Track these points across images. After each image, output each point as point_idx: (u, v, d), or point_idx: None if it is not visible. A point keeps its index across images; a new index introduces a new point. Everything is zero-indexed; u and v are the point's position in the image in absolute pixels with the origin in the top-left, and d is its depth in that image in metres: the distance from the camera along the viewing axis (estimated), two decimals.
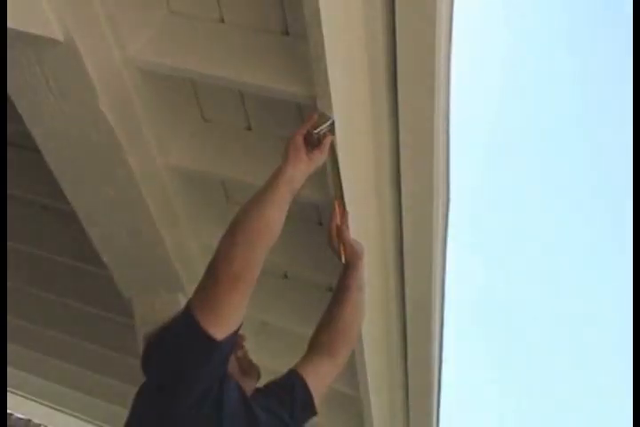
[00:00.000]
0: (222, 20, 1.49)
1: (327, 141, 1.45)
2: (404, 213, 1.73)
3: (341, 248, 1.57)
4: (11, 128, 1.67)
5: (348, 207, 1.58)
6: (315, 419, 1.53)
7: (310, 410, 1.52)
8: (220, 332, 1.30)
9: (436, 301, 1.98)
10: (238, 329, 1.35)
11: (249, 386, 1.46)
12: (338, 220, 1.57)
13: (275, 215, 1.37)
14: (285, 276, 2.15)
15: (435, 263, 1.86)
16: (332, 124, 1.43)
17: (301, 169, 1.41)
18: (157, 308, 1.89)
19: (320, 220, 1.88)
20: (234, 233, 1.35)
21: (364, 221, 1.77)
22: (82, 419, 3.63)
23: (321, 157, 1.45)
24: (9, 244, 1.95)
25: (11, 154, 1.94)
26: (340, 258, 1.57)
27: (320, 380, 1.54)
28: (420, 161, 1.60)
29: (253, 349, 1.53)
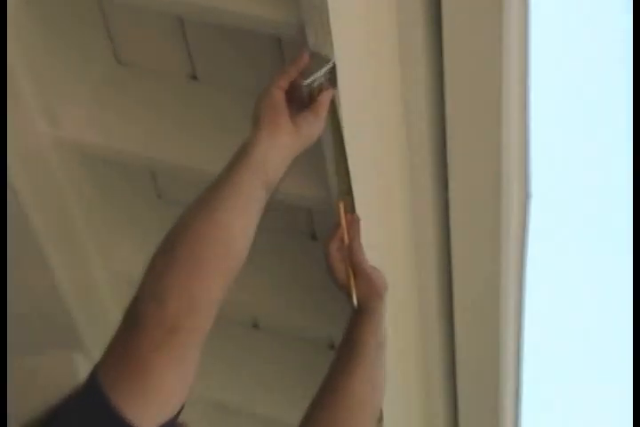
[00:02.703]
0: None
1: (325, 99, 1.29)
2: (452, 220, 1.62)
3: (351, 280, 1.41)
4: None
5: (360, 210, 1.43)
6: None
7: None
8: (146, 419, 1.12)
9: (509, 365, 1.85)
10: (178, 415, 1.18)
11: None
12: (343, 232, 1.42)
13: (238, 222, 1.21)
14: (255, 325, 2.09)
15: (507, 306, 1.77)
16: (334, 69, 1.29)
17: (282, 145, 1.26)
18: (41, 374, 1.77)
19: (313, 232, 1.79)
20: (170, 253, 1.19)
21: (385, 232, 1.67)
22: None
23: (314, 124, 1.29)
24: None
25: None
26: (349, 296, 1.41)
27: None
28: (481, 131, 1.47)
29: None
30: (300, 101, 1.28)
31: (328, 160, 1.40)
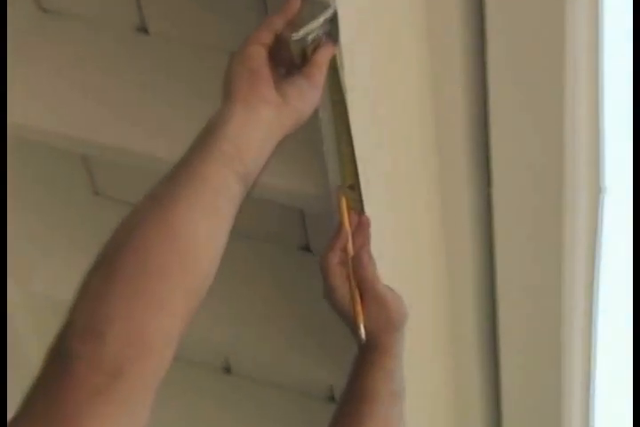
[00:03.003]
0: None
1: (322, 59, 1.27)
2: (496, 222, 1.64)
3: (357, 305, 1.38)
4: None
5: (370, 210, 1.40)
6: None
7: None
8: None
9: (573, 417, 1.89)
10: None
11: None
12: (347, 239, 1.40)
13: (203, 228, 1.17)
14: (227, 369, 2.07)
15: (571, 345, 1.80)
16: (335, 18, 1.26)
17: (263, 122, 1.23)
18: None
19: (306, 241, 1.75)
20: (110, 269, 1.13)
21: (406, 240, 1.63)
22: None
23: (308, 93, 1.26)
24: None
25: None
26: (354, 327, 1.39)
27: None
28: (536, 104, 1.47)
29: None
30: (289, 62, 1.22)
31: (326, 143, 1.32)
